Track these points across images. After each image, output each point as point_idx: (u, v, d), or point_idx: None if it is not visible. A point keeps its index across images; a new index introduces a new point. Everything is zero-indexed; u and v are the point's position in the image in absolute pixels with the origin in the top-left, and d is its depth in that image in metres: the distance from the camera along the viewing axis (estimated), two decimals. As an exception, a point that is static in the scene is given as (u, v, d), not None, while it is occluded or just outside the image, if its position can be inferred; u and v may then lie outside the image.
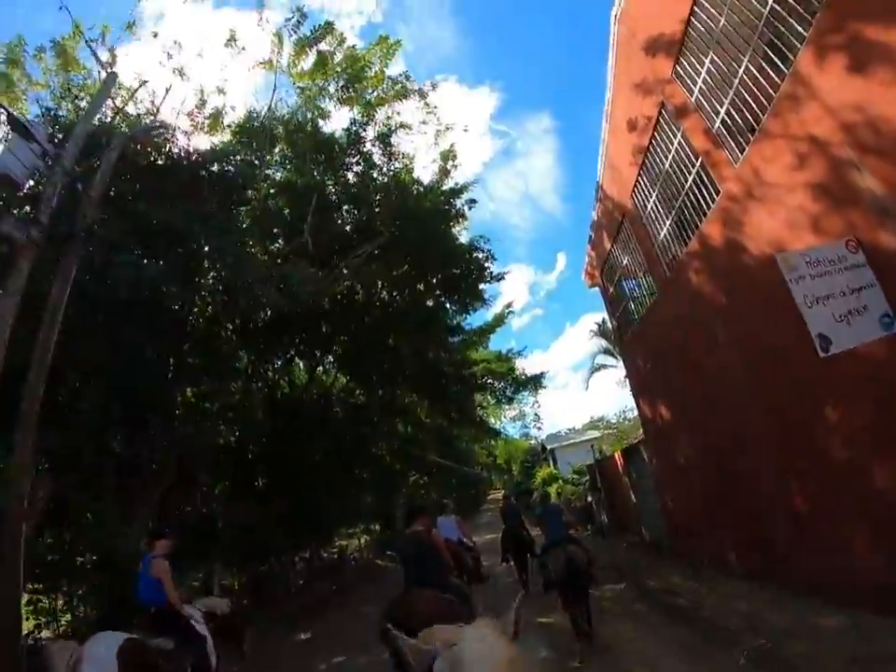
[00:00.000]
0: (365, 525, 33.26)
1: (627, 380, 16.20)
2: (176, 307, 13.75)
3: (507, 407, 52.30)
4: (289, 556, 20.42)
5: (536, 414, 57.40)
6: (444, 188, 18.56)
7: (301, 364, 25.96)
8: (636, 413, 26.31)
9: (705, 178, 10.01)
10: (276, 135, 16.72)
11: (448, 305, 21.02)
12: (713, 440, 10.83)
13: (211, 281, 14.71)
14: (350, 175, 17.88)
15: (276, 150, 17.50)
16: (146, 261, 11.36)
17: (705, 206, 10.17)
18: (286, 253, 16.00)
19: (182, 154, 14.17)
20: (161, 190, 12.81)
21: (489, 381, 26.92)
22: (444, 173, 18.90)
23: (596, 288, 17.24)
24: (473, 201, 19.15)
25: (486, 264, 19.00)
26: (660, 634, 8.66)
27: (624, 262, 14.40)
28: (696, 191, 10.39)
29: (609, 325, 22.66)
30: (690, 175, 10.45)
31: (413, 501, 25.83)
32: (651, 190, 12.25)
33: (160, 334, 12.52)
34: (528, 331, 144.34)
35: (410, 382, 23.48)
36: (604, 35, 14.54)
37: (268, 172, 17.34)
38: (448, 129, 18.76)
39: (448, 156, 18.87)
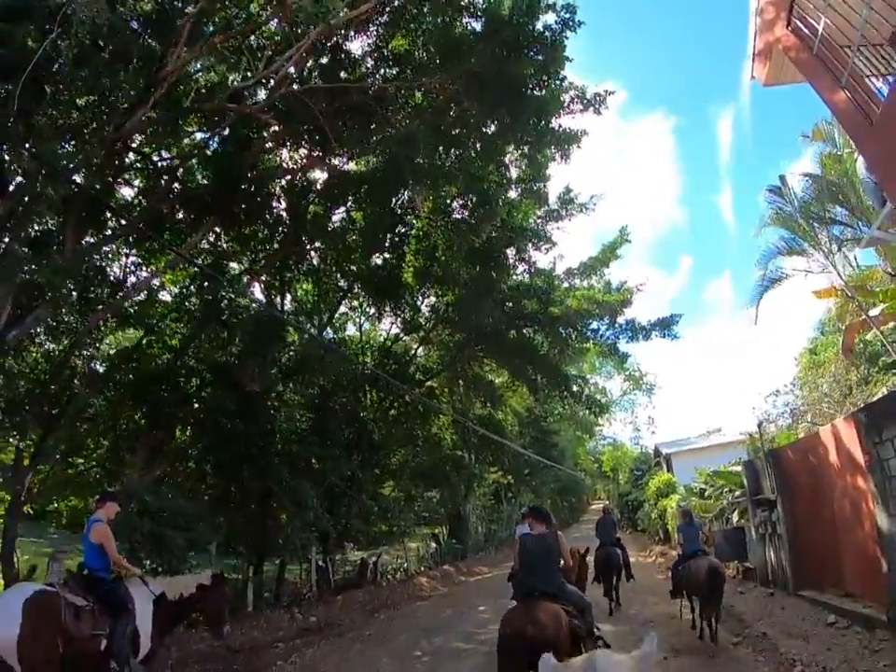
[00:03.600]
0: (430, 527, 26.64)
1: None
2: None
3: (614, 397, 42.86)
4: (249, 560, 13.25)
5: (649, 417, 47.96)
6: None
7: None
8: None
9: None
10: None
11: (494, 138, 12.35)
12: None
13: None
14: None
15: None
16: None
17: None
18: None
19: None
20: None
21: (590, 322, 18.24)
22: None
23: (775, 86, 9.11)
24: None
25: (560, 40, 10.21)
26: None
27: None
28: None
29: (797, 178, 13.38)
30: None
31: (534, 505, 18.17)
32: None
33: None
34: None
35: (466, 319, 15.69)
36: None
37: None
38: None
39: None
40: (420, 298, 17.95)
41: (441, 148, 12.16)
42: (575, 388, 20.50)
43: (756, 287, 14.30)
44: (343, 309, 19.06)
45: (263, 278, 15.41)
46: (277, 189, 13.55)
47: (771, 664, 6.94)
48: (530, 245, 16.42)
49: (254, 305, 13.60)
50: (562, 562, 5.79)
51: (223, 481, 13.42)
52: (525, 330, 17.93)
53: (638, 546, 24.94)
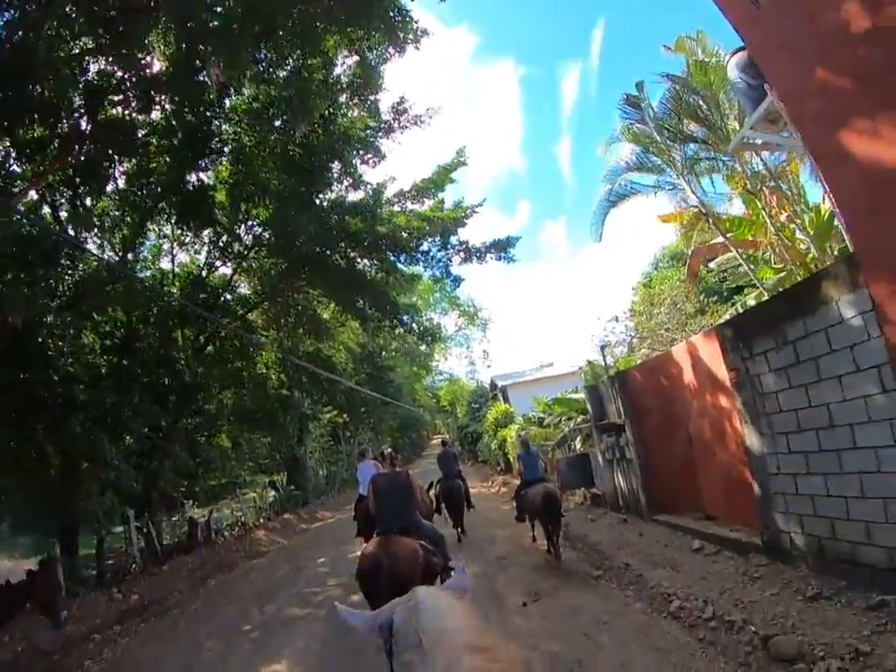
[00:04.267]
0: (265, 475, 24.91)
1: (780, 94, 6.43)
2: None
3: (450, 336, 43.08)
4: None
5: (484, 351, 49.04)
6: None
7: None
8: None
9: None
10: None
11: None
12: None
13: None
14: None
15: None
16: None
17: None
18: None
19: None
20: None
21: (421, 243, 16.93)
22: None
23: None
24: None
25: None
26: None
27: None
28: None
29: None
30: None
31: (386, 447, 16.96)
32: None
33: None
34: (482, 272, 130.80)
35: (285, 239, 14.13)
36: None
37: None
38: None
39: None
40: (239, 225, 15.74)
41: (255, 35, 10.00)
42: (406, 318, 19.47)
43: (602, 202, 13.41)
44: (154, 239, 16.49)
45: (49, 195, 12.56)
46: (73, 89, 10.75)
47: (643, 599, 6.22)
48: (356, 156, 14.66)
49: (18, 219, 10.74)
50: (415, 498, 5.91)
51: (7, 441, 10.86)
52: (350, 253, 16.43)
53: (481, 477, 25.10)
